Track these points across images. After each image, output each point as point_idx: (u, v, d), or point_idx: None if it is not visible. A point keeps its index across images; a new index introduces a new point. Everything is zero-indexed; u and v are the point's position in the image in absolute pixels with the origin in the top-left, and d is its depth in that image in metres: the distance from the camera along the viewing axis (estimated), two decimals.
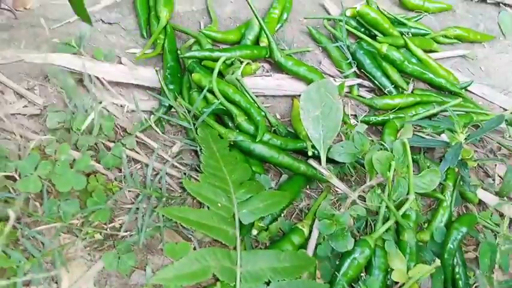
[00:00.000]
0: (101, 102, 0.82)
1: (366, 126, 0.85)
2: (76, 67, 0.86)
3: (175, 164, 0.83)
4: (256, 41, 1.01)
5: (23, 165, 0.68)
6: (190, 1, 1.07)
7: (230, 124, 0.87)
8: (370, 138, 0.91)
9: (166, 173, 0.82)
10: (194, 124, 0.83)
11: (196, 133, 0.80)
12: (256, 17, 0.93)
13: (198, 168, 0.82)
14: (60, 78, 0.84)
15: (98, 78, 0.88)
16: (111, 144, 0.82)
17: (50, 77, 0.89)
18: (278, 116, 0.96)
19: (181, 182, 0.81)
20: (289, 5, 1.09)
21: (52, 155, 0.74)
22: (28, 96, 0.87)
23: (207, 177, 0.70)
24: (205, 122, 0.82)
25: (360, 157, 0.80)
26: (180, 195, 0.79)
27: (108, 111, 0.85)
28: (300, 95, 0.98)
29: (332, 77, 1.03)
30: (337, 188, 0.81)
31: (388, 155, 0.75)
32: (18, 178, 0.73)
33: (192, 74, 0.86)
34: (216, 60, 0.91)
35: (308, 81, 0.96)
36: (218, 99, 0.83)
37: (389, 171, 0.74)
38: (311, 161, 0.80)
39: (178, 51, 0.94)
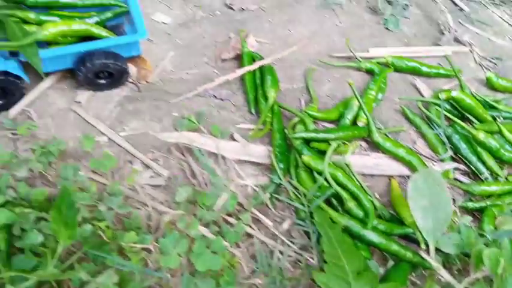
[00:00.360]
0: (232, 181, 0.90)
1: (471, 219, 0.89)
2: (203, 145, 0.95)
3: (286, 241, 0.89)
4: (354, 120, 1.08)
5: (164, 242, 0.76)
6: (290, 79, 1.16)
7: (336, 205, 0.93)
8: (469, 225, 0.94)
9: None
10: (303, 204, 0.89)
11: (311, 216, 0.87)
12: (359, 101, 1.00)
13: (308, 248, 0.88)
14: (197, 156, 0.93)
15: (220, 155, 0.97)
16: (229, 219, 0.89)
17: (172, 150, 0.99)
18: (377, 196, 1.01)
19: (293, 260, 0.87)
20: (384, 85, 1.16)
21: (183, 229, 0.83)
22: (154, 167, 0.96)
23: (330, 267, 0.76)
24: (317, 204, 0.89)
25: (466, 249, 0.84)
26: (294, 276, 0.85)
27: (226, 186, 0.93)
28: (397, 175, 1.04)
29: (427, 158, 1.08)
30: (442, 276, 0.84)
31: (497, 252, 0.78)
32: (152, 249, 0.82)
33: (302, 156, 0.94)
34: (321, 140, 0.98)
35: (406, 163, 1.02)
36: (326, 180, 0.90)
37: (498, 267, 0.77)
38: (421, 252, 0.84)
39: (286, 131, 1.02)
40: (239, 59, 1.17)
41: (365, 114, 1.02)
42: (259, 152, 1.00)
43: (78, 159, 0.95)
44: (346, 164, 0.93)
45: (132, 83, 1.08)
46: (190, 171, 0.97)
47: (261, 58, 1.15)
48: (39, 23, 0.95)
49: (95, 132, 1.00)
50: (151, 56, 1.12)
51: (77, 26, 0.97)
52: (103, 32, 0.99)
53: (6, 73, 0.91)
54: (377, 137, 1.02)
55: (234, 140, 1.02)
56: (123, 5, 1.03)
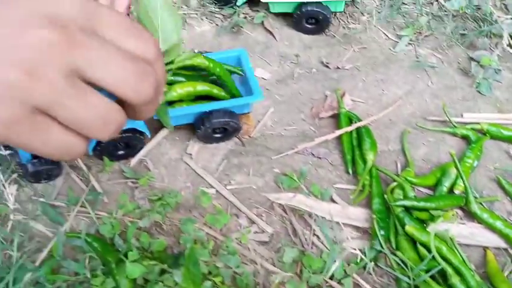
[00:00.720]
0: (335, 244, 0.95)
1: None
2: (308, 208, 1.00)
3: None
4: (451, 188, 1.10)
5: None
6: (386, 141, 1.19)
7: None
8: None
9: None
10: (406, 275, 0.92)
11: None
12: (459, 171, 1.02)
13: None
14: (299, 215, 0.99)
15: (324, 218, 1.02)
16: (331, 282, 0.93)
17: (275, 206, 1.05)
18: (473, 267, 1.02)
19: None
20: (480, 153, 1.17)
21: None
22: (259, 223, 1.02)
23: None
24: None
25: None
26: None
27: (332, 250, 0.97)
28: (493, 247, 1.05)
29: None
30: None
31: None
32: None
33: (406, 227, 0.97)
34: (421, 209, 1.01)
35: (503, 236, 1.02)
36: (430, 253, 0.92)
37: None
38: None
39: (385, 196, 1.05)
40: (335, 117, 1.22)
41: (464, 183, 1.04)
42: (358, 215, 1.03)
43: (189, 209, 1.03)
44: (450, 238, 0.95)
45: (237, 137, 1.15)
46: (292, 229, 1.02)
47: (357, 118, 1.19)
48: (168, 83, 1.03)
49: (204, 184, 1.07)
50: (253, 110, 1.19)
51: (201, 87, 1.05)
52: (222, 93, 1.07)
53: (134, 130, 1.00)
54: (475, 207, 1.04)
55: (333, 201, 1.06)
56: (239, 72, 1.11)
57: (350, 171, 1.12)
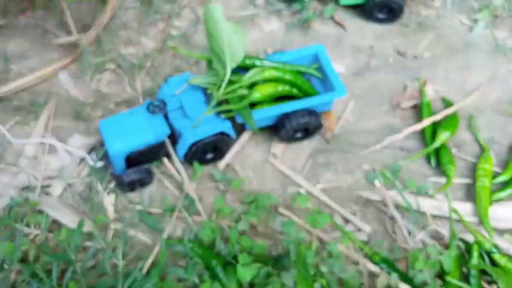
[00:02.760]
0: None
1: None
2: (404, 203, 0.97)
3: None
4: None
5: None
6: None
7: None
8: None
9: None
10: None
11: None
12: None
13: None
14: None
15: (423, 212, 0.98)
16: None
17: (369, 204, 1.02)
18: None
19: None
20: None
21: None
22: (355, 222, 1.00)
23: None
24: None
25: None
26: None
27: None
28: None
29: None
30: None
31: None
32: None
33: None
34: None
35: None
36: None
37: None
38: None
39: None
40: (416, 108, 1.18)
41: None
42: (462, 209, 0.99)
43: (281, 210, 1.01)
44: None
45: (320, 135, 1.13)
46: (391, 226, 0.99)
47: (450, 103, 1.15)
48: (250, 85, 1.02)
49: (293, 184, 1.06)
50: (332, 106, 1.16)
51: (281, 87, 1.04)
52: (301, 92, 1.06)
53: (222, 133, 1.00)
54: None
55: (427, 194, 1.03)
56: (314, 72, 1.08)
57: (432, 162, 1.08)
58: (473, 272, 0.90)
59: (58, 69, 1.19)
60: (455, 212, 0.95)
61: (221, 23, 0.91)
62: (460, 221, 0.97)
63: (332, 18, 1.33)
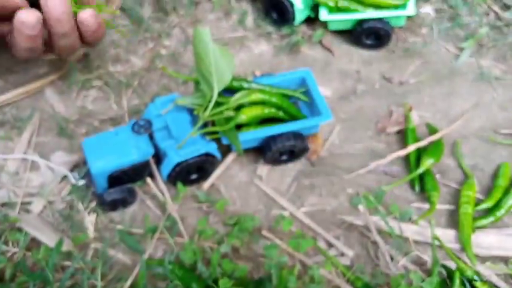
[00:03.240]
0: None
1: None
2: (387, 228, 0.97)
3: None
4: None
5: None
6: (456, 155, 1.16)
7: None
8: None
9: None
10: None
11: None
12: None
13: None
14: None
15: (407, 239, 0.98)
16: None
17: (352, 228, 1.02)
18: None
19: None
20: None
21: None
22: (338, 246, 0.99)
23: None
24: None
25: None
26: None
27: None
28: None
29: None
30: None
31: None
32: None
33: None
34: None
35: None
36: None
37: None
38: None
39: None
40: (401, 133, 1.19)
41: None
42: (444, 235, 1.00)
43: (264, 233, 1.00)
44: None
45: (305, 158, 1.13)
46: (374, 251, 0.98)
47: (434, 129, 1.16)
48: (236, 107, 1.02)
49: (277, 207, 1.05)
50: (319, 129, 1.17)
51: (268, 110, 1.04)
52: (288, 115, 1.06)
53: (207, 154, 0.99)
54: None
55: (412, 221, 1.03)
56: (300, 96, 1.09)
57: (417, 188, 1.08)
58: None
59: (44, 85, 1.19)
60: (437, 239, 0.95)
61: (209, 46, 0.92)
62: (442, 247, 0.97)
63: (320, 42, 1.35)
